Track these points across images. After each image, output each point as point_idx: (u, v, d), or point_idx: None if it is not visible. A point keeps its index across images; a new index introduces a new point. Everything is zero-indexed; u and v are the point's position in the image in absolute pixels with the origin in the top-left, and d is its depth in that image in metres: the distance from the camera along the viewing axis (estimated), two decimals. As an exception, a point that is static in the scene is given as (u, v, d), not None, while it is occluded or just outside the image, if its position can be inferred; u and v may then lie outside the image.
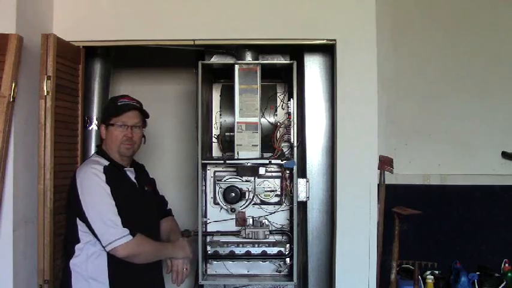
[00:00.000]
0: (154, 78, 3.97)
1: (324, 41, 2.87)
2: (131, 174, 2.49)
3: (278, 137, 2.97)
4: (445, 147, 3.55)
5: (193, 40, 2.88)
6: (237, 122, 2.89)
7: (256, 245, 3.04)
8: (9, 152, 2.42)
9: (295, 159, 2.88)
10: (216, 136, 3.18)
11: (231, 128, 3.01)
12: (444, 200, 3.50)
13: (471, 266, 3.36)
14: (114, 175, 2.34)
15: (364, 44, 2.83)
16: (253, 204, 3.06)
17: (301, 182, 2.92)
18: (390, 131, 3.49)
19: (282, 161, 2.90)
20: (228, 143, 3.06)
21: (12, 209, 2.44)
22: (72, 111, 2.83)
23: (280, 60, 3.09)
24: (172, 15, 2.87)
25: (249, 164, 2.92)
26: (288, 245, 3.03)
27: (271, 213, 3.08)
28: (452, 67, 3.57)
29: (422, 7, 3.58)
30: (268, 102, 3.09)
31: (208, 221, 3.08)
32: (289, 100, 2.94)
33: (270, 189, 3.07)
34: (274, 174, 3.06)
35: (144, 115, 2.49)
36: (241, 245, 3.04)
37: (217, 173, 3.10)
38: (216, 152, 3.19)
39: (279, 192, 3.07)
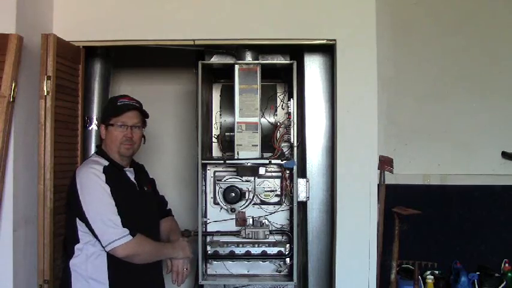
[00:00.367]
0: (154, 78, 3.97)
1: (324, 41, 2.87)
2: (131, 174, 2.49)
3: (278, 137, 2.97)
4: (445, 147, 3.55)
5: (193, 40, 2.88)
6: (237, 122, 2.89)
7: (256, 245, 3.04)
8: (9, 152, 2.42)
9: (295, 159, 2.88)
10: (216, 136, 3.18)
11: (231, 128, 3.01)
12: (444, 200, 3.50)
13: (471, 266, 3.36)
14: (113, 175, 2.34)
15: (364, 44, 2.83)
16: (253, 204, 3.07)
17: (301, 182, 2.92)
18: (390, 131, 3.50)
19: (282, 161, 2.90)
20: (228, 143, 3.06)
21: (12, 209, 2.44)
22: (72, 111, 2.83)
23: (280, 60, 3.09)
24: (172, 15, 2.87)
25: (249, 164, 2.92)
26: (288, 245, 3.04)
27: (271, 213, 3.08)
28: (452, 67, 3.57)
29: (422, 7, 3.58)
30: (268, 102, 3.08)
31: (208, 221, 3.08)
32: (289, 100, 2.94)
33: (270, 189, 3.07)
34: (274, 174, 3.07)
35: (144, 115, 2.49)
36: (241, 245, 3.04)
37: (217, 173, 3.10)
38: (216, 152, 3.19)
39: (279, 192, 3.07)
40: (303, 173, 3.00)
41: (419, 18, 3.58)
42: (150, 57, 3.55)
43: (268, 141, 2.98)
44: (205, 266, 3.04)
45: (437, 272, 3.33)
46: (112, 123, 2.41)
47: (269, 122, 3.08)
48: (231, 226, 3.06)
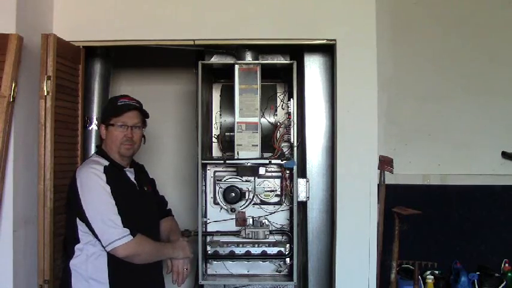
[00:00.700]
0: (154, 78, 3.97)
1: (324, 41, 2.87)
2: (131, 174, 2.49)
3: (278, 137, 2.97)
4: (445, 147, 3.55)
5: (193, 40, 2.88)
6: (237, 122, 2.89)
7: (256, 245, 3.04)
8: (9, 152, 2.42)
9: (295, 159, 2.88)
10: (216, 136, 3.18)
11: (231, 128, 3.01)
12: (444, 200, 3.50)
13: (471, 266, 3.36)
14: (114, 175, 2.34)
15: (364, 44, 2.83)
16: (253, 204, 3.06)
17: (301, 182, 2.92)
18: (390, 131, 3.50)
19: (282, 161, 2.90)
20: (228, 143, 3.06)
21: (12, 209, 2.44)
22: (72, 111, 2.83)
23: (280, 60, 3.09)
24: (172, 15, 2.87)
25: (249, 164, 2.92)
26: (288, 245, 3.03)
27: (271, 213, 3.08)
28: (452, 67, 3.57)
29: (422, 7, 3.58)
30: (268, 102, 3.08)
31: (208, 221, 3.08)
32: (289, 100, 2.94)
33: (270, 189, 3.07)
34: (274, 174, 3.07)
35: (144, 115, 2.49)
36: (241, 245, 3.04)
37: (217, 173, 3.10)
38: (216, 152, 3.19)
39: (279, 192, 3.07)
40: (303, 173, 3.00)
41: (419, 18, 3.59)
42: (150, 57, 3.55)
43: (268, 141, 2.98)
44: (205, 266, 3.04)
45: (437, 272, 3.33)
46: (112, 123, 2.41)
47: (269, 122, 3.08)
48: (231, 226, 3.06)
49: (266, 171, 3.03)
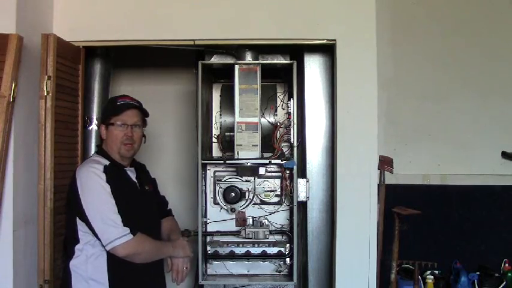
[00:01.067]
0: (154, 78, 3.97)
1: (324, 41, 2.88)
2: (132, 174, 2.48)
3: (278, 137, 2.97)
4: (445, 147, 3.56)
5: (193, 40, 2.88)
6: (237, 122, 2.89)
7: (256, 245, 3.04)
8: (9, 152, 2.42)
9: (295, 159, 2.88)
10: (216, 136, 3.18)
11: (231, 128, 3.01)
12: (444, 200, 3.50)
13: (471, 266, 3.36)
14: (114, 175, 2.33)
15: (364, 44, 2.83)
16: (253, 204, 3.06)
17: (301, 182, 2.92)
18: (390, 131, 3.50)
19: (282, 161, 2.90)
20: (228, 143, 3.06)
21: (12, 209, 2.44)
22: (72, 111, 2.83)
23: (280, 60, 3.09)
24: (172, 15, 2.87)
25: (249, 164, 2.92)
26: (288, 245, 3.04)
27: (271, 213, 3.08)
28: (452, 67, 3.57)
29: (422, 7, 3.59)
30: (268, 102, 3.09)
31: (208, 221, 3.08)
32: (289, 100, 2.94)
33: (270, 189, 3.07)
34: (274, 174, 3.06)
35: (144, 114, 2.49)
36: (241, 245, 3.04)
37: (217, 173, 3.10)
38: (216, 152, 3.19)
39: (279, 192, 3.06)
40: (303, 173, 3.00)
41: (419, 18, 3.59)
42: (150, 57, 3.55)
43: (268, 141, 2.98)
44: (205, 266, 3.04)
45: (437, 272, 3.33)
46: (112, 123, 2.40)
47: (269, 122, 3.08)
48: (231, 226, 3.06)
49: (266, 171, 3.03)
